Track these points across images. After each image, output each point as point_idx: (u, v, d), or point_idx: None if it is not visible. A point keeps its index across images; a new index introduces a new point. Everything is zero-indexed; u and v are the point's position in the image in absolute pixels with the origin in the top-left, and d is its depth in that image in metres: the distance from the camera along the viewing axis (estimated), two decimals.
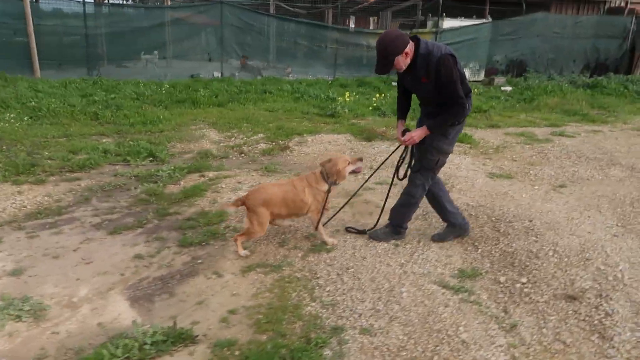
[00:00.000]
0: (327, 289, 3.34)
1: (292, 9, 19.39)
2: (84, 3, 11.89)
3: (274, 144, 7.15)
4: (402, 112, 3.92)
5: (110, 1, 12.61)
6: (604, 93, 13.15)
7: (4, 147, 6.42)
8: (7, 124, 7.45)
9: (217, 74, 13.32)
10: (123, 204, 4.82)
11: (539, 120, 9.63)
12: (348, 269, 3.60)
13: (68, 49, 12.07)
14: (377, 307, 3.12)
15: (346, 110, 9.54)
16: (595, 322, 2.96)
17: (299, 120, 8.86)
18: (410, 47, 3.42)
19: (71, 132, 7.39)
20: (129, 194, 5.09)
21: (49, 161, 5.97)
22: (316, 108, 9.96)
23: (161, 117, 8.44)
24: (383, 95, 11.37)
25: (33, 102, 8.74)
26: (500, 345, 2.77)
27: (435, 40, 15.69)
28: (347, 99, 10.62)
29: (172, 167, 5.74)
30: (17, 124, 7.56)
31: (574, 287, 3.30)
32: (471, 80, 15.86)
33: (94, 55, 12.14)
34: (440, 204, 3.99)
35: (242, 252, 3.80)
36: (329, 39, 14.71)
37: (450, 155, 3.98)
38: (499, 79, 15.39)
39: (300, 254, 3.84)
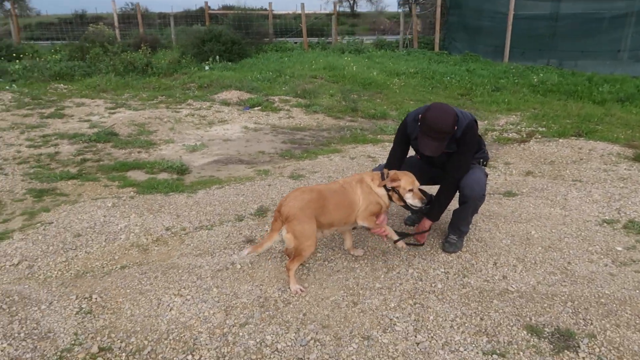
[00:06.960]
0: None
1: None
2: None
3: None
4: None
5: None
6: None
7: (355, 96, 9.42)
8: (397, 87, 10.46)
9: None
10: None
11: None
12: None
13: (534, 39, 13.05)
14: None
15: None
16: None
17: None
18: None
19: (424, 98, 9.52)
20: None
21: (372, 111, 8.58)
22: None
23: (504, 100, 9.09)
24: None
25: (447, 78, 11.15)
26: None
27: None
28: None
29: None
30: (401, 87, 10.36)
31: None
32: None
33: (553, 46, 12.64)
34: None
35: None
36: None
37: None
38: None
39: None
